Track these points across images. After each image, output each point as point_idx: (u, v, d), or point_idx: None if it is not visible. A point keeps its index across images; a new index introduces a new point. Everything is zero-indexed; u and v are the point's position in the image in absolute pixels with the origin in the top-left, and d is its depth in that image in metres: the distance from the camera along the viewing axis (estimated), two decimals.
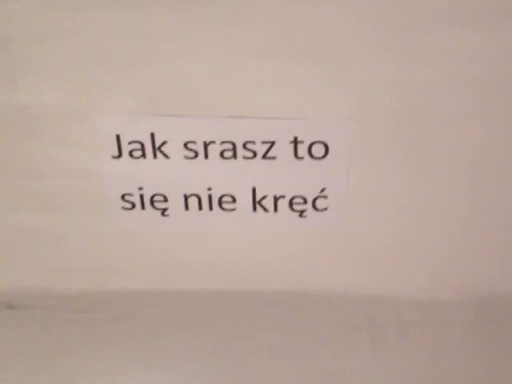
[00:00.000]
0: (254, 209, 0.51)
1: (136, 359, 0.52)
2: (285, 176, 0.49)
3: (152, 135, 0.46)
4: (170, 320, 0.57)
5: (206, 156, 0.46)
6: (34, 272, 0.59)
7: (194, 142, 0.45)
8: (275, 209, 0.51)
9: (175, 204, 0.50)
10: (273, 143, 0.46)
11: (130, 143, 0.46)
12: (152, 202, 0.49)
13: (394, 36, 0.44)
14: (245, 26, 0.43)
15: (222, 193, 0.49)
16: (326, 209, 0.50)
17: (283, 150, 0.47)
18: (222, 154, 0.46)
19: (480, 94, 0.47)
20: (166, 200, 0.49)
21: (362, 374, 0.55)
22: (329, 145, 0.46)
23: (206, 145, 0.46)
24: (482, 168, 0.53)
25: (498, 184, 0.54)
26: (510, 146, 0.51)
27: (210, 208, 0.50)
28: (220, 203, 0.49)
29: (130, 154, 0.46)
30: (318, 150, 0.47)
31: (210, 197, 0.49)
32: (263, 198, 0.50)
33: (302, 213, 0.50)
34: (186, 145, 0.45)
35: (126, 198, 0.48)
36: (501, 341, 0.59)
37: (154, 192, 0.49)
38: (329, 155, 0.47)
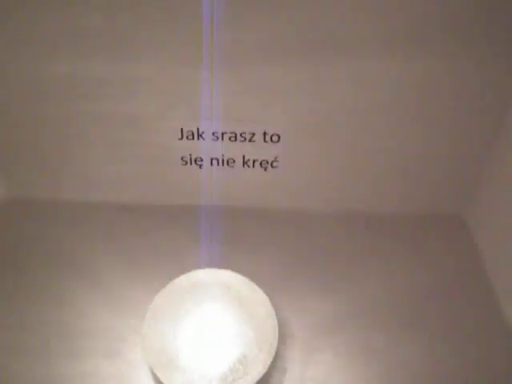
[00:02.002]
0: (243, 165, 0.90)
1: None
2: (258, 150, 0.88)
3: None
4: None
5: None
6: None
7: None
8: (253, 166, 0.89)
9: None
10: (253, 134, 0.86)
11: None
12: None
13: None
14: None
15: (229, 157, 0.89)
16: (277, 167, 0.90)
17: (259, 137, 0.86)
18: (229, 138, 0.86)
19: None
20: None
21: None
22: (280, 136, 0.86)
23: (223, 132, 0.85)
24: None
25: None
26: None
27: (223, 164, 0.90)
28: (228, 163, 0.89)
29: None
30: (275, 138, 0.86)
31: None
32: (248, 160, 0.89)
33: (265, 168, 0.90)
34: None
35: None
36: None
37: None
38: (280, 141, 0.87)
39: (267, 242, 0.91)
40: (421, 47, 0.76)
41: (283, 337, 0.76)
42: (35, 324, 0.78)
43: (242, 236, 0.90)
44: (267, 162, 0.89)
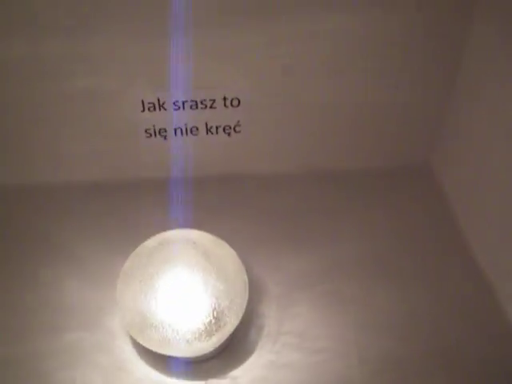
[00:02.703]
0: (207, 133, 0.90)
1: None
2: (219, 116, 0.87)
3: None
4: None
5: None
6: None
7: None
8: (217, 132, 0.90)
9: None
10: (214, 100, 0.86)
11: None
12: None
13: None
14: None
15: (192, 125, 0.90)
16: (240, 131, 0.90)
17: (219, 103, 0.86)
18: (190, 107, 0.86)
19: None
20: None
21: None
22: (240, 100, 0.86)
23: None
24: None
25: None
26: None
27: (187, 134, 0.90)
28: (192, 131, 0.90)
29: None
30: (235, 103, 0.86)
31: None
32: (211, 127, 0.89)
33: (229, 134, 0.90)
34: None
35: None
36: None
37: None
38: (240, 105, 0.87)
39: (238, 206, 0.92)
40: None
41: (259, 294, 0.78)
42: (11, 303, 0.78)
43: (212, 203, 0.91)
44: (230, 127, 0.90)
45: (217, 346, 0.66)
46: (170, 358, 0.68)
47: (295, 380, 0.71)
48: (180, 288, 0.66)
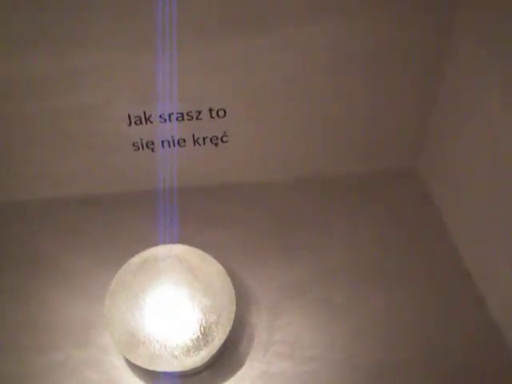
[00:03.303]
0: (194, 144, 0.90)
1: None
2: (206, 127, 0.88)
3: None
4: None
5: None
6: None
7: None
8: (204, 143, 0.90)
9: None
10: (200, 111, 0.86)
11: None
12: None
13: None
14: None
15: (179, 137, 0.89)
16: (227, 141, 0.91)
17: (205, 114, 0.86)
18: (176, 119, 0.86)
19: None
20: None
21: None
22: (226, 110, 0.87)
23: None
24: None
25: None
26: None
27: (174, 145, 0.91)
28: (179, 143, 0.90)
29: None
30: (221, 113, 0.87)
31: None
32: (198, 138, 0.90)
33: (216, 144, 0.91)
34: None
35: None
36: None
37: None
38: (226, 116, 0.87)
39: (226, 217, 0.92)
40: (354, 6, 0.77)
41: (248, 305, 0.78)
42: (1, 321, 0.79)
43: (200, 214, 0.92)
44: (217, 138, 0.91)
45: (206, 360, 0.67)
46: (161, 372, 0.68)
47: None
48: (167, 305, 0.67)
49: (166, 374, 0.70)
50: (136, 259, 0.70)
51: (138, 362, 0.65)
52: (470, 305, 0.79)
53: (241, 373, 0.73)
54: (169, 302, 0.67)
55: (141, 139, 0.90)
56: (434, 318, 0.77)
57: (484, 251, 0.79)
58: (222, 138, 0.90)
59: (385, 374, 0.72)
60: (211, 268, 0.70)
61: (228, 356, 0.74)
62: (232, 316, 0.67)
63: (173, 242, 0.76)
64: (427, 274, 0.83)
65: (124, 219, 0.92)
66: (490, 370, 0.72)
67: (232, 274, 0.74)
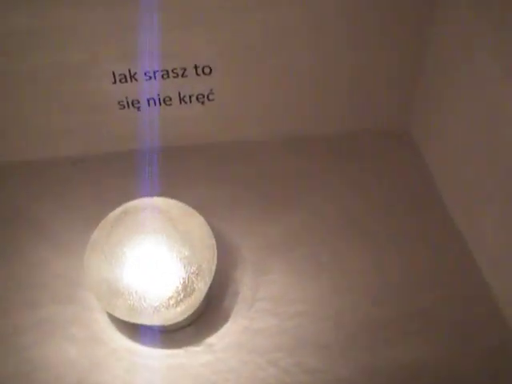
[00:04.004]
0: (180, 102, 0.89)
1: None
2: (192, 84, 0.87)
3: None
4: None
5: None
6: None
7: None
8: (190, 101, 0.89)
9: None
10: (185, 68, 0.85)
11: None
12: None
13: None
14: None
15: (165, 95, 0.88)
16: (214, 99, 0.90)
17: (190, 71, 0.85)
18: (162, 76, 0.85)
19: None
20: None
21: None
22: (212, 67, 0.86)
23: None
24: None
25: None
26: None
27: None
28: (165, 101, 0.89)
29: None
30: (206, 70, 0.86)
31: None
32: (184, 96, 0.88)
33: (203, 102, 0.90)
34: None
35: None
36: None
37: None
38: (212, 73, 0.86)
39: (214, 175, 0.91)
40: None
41: (234, 261, 0.78)
42: None
43: (186, 173, 0.91)
44: (203, 96, 0.89)
45: (187, 313, 0.66)
46: (144, 327, 0.68)
47: (271, 345, 0.71)
48: (146, 256, 0.66)
49: (149, 328, 0.69)
50: (116, 211, 0.69)
51: (117, 314, 0.64)
52: (459, 265, 0.79)
53: (225, 328, 0.72)
54: (148, 253, 0.65)
55: (126, 97, 0.89)
56: (420, 276, 0.77)
57: (477, 213, 0.78)
58: (208, 96, 0.89)
59: (371, 331, 0.72)
60: (192, 219, 0.69)
61: (212, 312, 0.74)
62: (213, 267, 0.66)
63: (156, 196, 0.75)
64: (416, 234, 0.82)
65: (109, 179, 0.91)
66: (477, 326, 0.72)
67: (217, 230, 0.73)
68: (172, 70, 0.86)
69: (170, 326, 0.69)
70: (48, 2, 0.77)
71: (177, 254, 0.65)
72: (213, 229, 0.71)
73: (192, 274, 0.65)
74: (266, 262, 0.79)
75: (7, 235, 0.84)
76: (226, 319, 0.73)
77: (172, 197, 0.75)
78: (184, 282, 0.65)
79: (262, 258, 0.79)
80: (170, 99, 0.89)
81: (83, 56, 0.84)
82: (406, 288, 0.76)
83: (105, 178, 0.91)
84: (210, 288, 0.68)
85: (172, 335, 0.72)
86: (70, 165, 0.94)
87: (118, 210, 0.69)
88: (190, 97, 0.89)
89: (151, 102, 0.90)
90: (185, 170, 0.91)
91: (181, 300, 0.65)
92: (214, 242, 0.68)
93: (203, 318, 0.73)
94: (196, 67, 0.86)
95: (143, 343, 0.71)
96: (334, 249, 0.80)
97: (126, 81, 0.87)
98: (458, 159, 0.82)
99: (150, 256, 0.66)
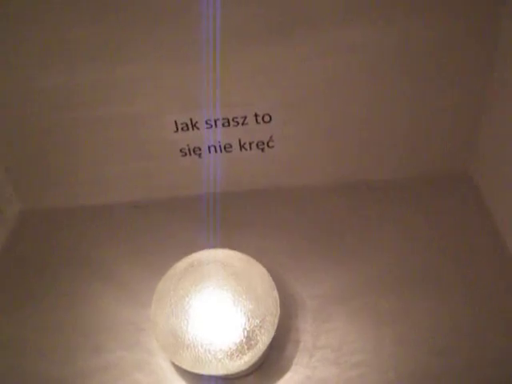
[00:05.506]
0: (240, 149, 0.92)
1: None
2: (253, 132, 0.89)
3: None
4: None
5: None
6: None
7: None
8: (250, 148, 0.91)
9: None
10: (245, 117, 0.87)
11: None
12: None
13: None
14: None
15: (225, 142, 0.90)
16: (274, 146, 0.91)
17: (251, 120, 0.87)
18: (223, 124, 0.87)
19: None
20: None
21: None
22: (271, 115, 0.87)
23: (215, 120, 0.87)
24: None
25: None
26: None
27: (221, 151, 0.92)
28: (225, 148, 0.91)
29: None
30: (266, 119, 0.87)
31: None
32: (244, 143, 0.90)
33: (263, 149, 0.91)
34: None
35: None
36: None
37: None
38: (272, 121, 0.88)
39: (273, 222, 0.92)
40: (396, 7, 0.76)
41: (295, 310, 0.78)
42: (56, 324, 0.81)
43: (247, 219, 0.92)
44: (263, 143, 0.91)
45: (250, 364, 0.67)
46: (206, 375, 0.69)
47: None
48: (210, 308, 0.67)
49: (211, 376, 0.70)
50: (181, 263, 0.71)
51: (183, 365, 0.66)
52: None
53: (286, 377, 0.72)
54: (213, 305, 0.67)
55: (187, 145, 0.91)
56: (486, 327, 0.75)
57: None
58: (268, 143, 0.91)
59: (431, 381, 0.70)
60: (255, 271, 0.70)
61: (273, 360, 0.74)
62: (276, 320, 0.67)
63: (217, 246, 0.77)
64: (481, 283, 0.80)
65: (171, 224, 0.93)
66: None
67: (277, 278, 0.74)
68: (233, 119, 0.88)
69: (232, 374, 0.69)
70: (115, 58, 0.81)
71: (241, 307, 0.66)
72: (273, 277, 0.72)
73: (256, 326, 0.66)
74: (325, 311, 0.79)
75: (73, 279, 0.87)
76: (287, 368, 0.73)
77: (233, 244, 0.76)
78: (248, 335, 0.66)
79: (322, 307, 0.79)
80: (231, 146, 0.91)
81: (146, 106, 0.87)
82: (471, 339, 0.74)
83: (166, 224, 0.93)
84: (272, 337, 0.68)
85: (233, 383, 0.72)
86: (133, 208, 0.96)
87: (184, 263, 0.71)
88: (250, 144, 0.91)
89: (212, 148, 0.91)
90: (244, 217, 0.92)
91: (244, 352, 0.65)
92: (276, 293, 0.69)
93: (265, 367, 0.74)
94: (256, 115, 0.87)
95: None
96: (396, 298, 0.79)
97: (188, 129, 0.89)
98: None
99: (215, 309, 0.67)
